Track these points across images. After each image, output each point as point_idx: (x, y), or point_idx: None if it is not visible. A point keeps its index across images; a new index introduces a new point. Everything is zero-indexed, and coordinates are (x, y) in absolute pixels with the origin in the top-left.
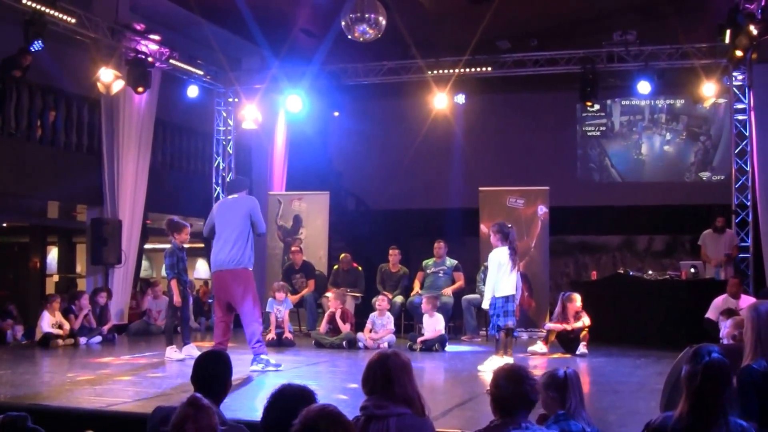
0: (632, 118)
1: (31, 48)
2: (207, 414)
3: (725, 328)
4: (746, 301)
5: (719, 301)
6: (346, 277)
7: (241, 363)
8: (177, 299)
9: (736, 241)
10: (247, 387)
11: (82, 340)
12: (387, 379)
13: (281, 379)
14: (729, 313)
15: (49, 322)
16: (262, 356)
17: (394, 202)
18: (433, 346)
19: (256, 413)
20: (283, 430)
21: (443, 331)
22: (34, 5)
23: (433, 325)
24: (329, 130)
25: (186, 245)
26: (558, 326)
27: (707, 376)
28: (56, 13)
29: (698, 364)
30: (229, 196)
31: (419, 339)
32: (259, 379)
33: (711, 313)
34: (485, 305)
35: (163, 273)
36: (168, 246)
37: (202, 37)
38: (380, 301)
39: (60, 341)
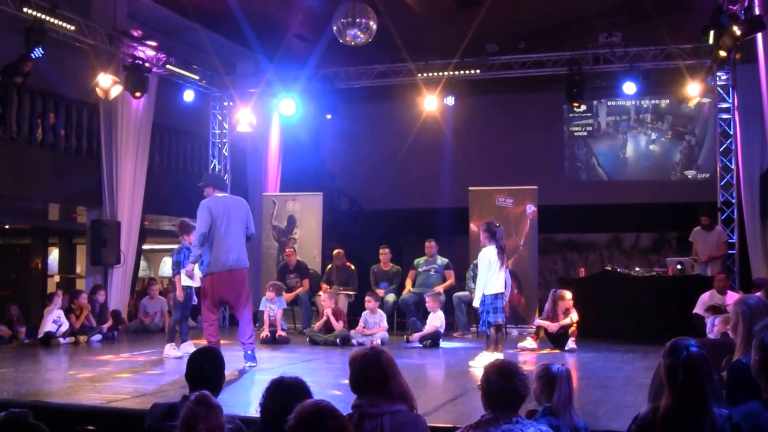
0: (618, 118)
1: (32, 54)
2: (217, 413)
3: (711, 324)
4: (732, 297)
5: (706, 297)
6: (339, 275)
7: (236, 360)
8: (180, 294)
9: (724, 237)
10: (240, 383)
11: (82, 338)
12: (383, 378)
13: (273, 374)
14: (714, 309)
15: (51, 319)
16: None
17: (386, 202)
18: (425, 341)
19: (249, 408)
20: (282, 422)
21: (439, 328)
22: (34, 13)
23: (432, 321)
24: (322, 132)
25: None
26: (547, 323)
27: (689, 370)
28: (56, 21)
29: (678, 359)
30: (220, 194)
31: (416, 335)
32: (250, 374)
33: (698, 309)
34: (476, 303)
35: (161, 272)
36: (176, 246)
37: (198, 42)
38: (368, 300)
39: (61, 340)
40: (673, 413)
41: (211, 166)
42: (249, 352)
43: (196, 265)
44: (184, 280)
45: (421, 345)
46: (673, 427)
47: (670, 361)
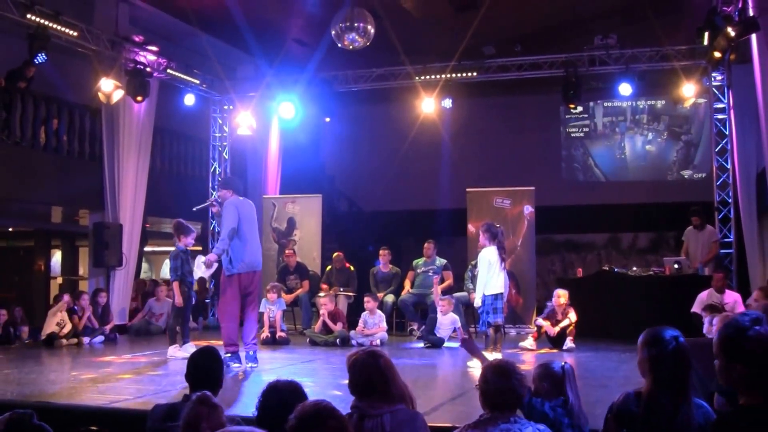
0: (614, 119)
1: (35, 60)
2: (218, 412)
3: (708, 323)
4: (730, 295)
5: (704, 296)
6: (339, 277)
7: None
8: (179, 300)
9: (715, 237)
10: (240, 383)
11: (86, 339)
12: (383, 381)
13: (271, 375)
14: (712, 308)
15: (55, 321)
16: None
17: (385, 203)
18: (427, 343)
19: (250, 408)
20: (279, 425)
21: (453, 324)
22: (38, 19)
23: (454, 323)
24: (321, 135)
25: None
26: (547, 324)
27: (678, 360)
28: (59, 27)
29: (666, 349)
30: (241, 198)
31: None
32: (251, 375)
33: (696, 308)
34: (477, 303)
35: (162, 274)
36: (173, 249)
37: (199, 47)
38: (367, 301)
39: (64, 341)
40: (655, 401)
41: (212, 169)
42: (251, 352)
43: (201, 259)
44: (201, 270)
45: (422, 345)
46: (655, 415)
47: (657, 351)
